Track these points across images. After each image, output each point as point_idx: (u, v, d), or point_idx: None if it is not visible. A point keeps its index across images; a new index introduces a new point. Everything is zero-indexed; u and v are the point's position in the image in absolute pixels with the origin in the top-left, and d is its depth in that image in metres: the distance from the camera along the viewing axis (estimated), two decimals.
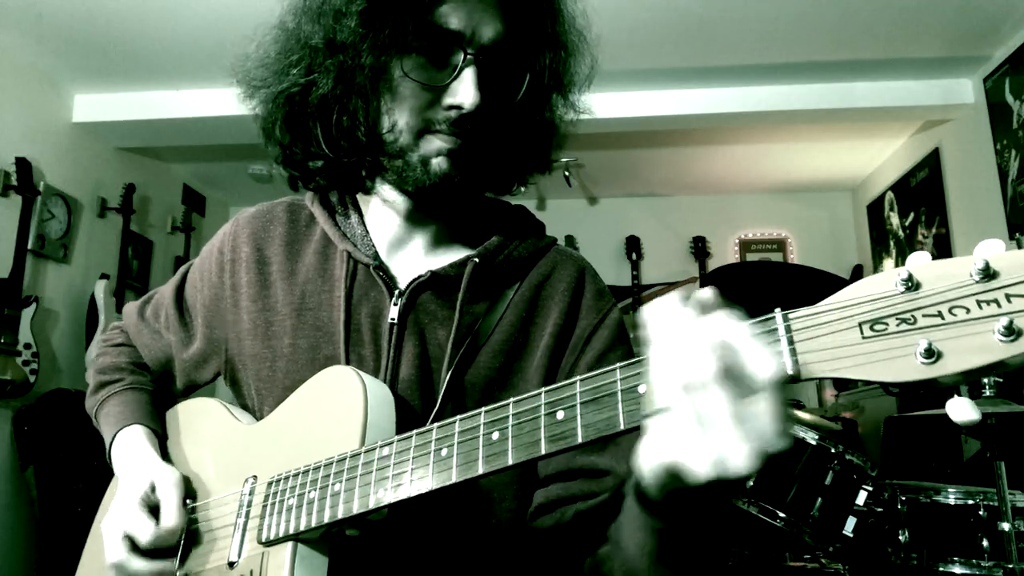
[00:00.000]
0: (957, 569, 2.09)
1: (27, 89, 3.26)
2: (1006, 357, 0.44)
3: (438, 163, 0.82)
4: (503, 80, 0.83)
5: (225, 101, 3.32)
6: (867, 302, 0.49)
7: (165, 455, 0.97)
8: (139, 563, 0.84)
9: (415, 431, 0.70)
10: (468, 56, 0.79)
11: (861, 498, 2.17)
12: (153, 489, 0.87)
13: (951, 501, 2.15)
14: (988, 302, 0.45)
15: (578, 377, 0.60)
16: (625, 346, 0.90)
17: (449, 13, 0.79)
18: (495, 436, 0.63)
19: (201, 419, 0.98)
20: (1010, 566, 1.92)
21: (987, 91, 3.28)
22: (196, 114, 3.46)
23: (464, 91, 0.79)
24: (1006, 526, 1.93)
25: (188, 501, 0.89)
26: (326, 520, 0.72)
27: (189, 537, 0.87)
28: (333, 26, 0.81)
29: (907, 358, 0.46)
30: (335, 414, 0.77)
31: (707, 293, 0.53)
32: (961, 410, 0.47)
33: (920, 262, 0.48)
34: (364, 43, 0.79)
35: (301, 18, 0.85)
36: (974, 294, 0.45)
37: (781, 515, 2.19)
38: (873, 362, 0.47)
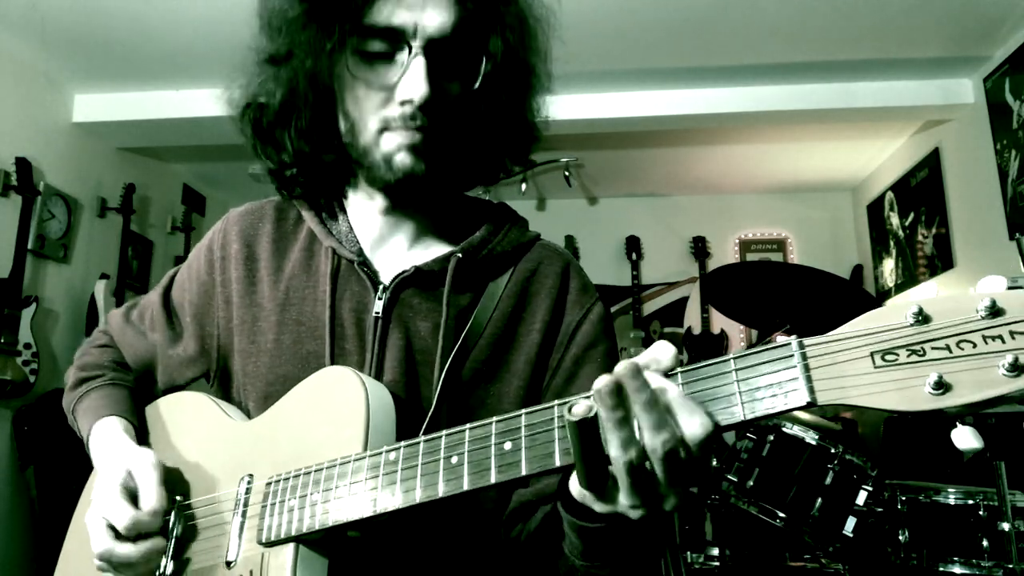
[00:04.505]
0: (957, 569, 2.09)
1: (27, 89, 3.25)
2: (1010, 391, 0.46)
3: (401, 159, 0.82)
4: (459, 68, 0.83)
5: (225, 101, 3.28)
6: (878, 332, 0.51)
7: (147, 446, 0.96)
8: (125, 548, 0.82)
9: (423, 438, 0.70)
10: (413, 50, 0.79)
11: (861, 498, 2.17)
12: (131, 475, 0.86)
13: (951, 501, 2.15)
14: (993, 338, 0.47)
15: (591, 392, 0.60)
16: (608, 342, 0.92)
17: (391, 9, 0.79)
18: (507, 446, 0.63)
19: (190, 414, 0.97)
20: (1010, 566, 1.92)
21: (987, 91, 3.28)
22: (196, 114, 3.45)
23: (413, 85, 0.79)
24: (1006, 526, 1.93)
25: (179, 498, 0.89)
26: (331, 523, 0.72)
27: (182, 533, 0.86)
28: (277, 37, 0.83)
29: (917, 388, 0.48)
30: (335, 416, 0.77)
31: (664, 354, 0.58)
32: (965, 439, 0.50)
33: (929, 296, 0.51)
34: (308, 51, 0.81)
35: (257, 30, 0.87)
36: (980, 330, 0.48)
37: (781, 515, 2.19)
38: (884, 391, 0.49)
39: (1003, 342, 0.47)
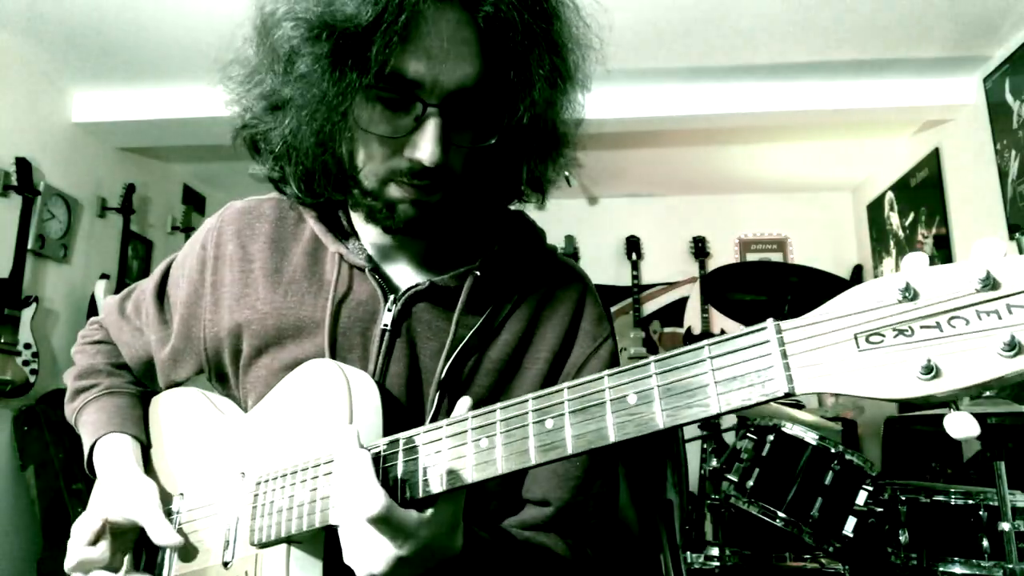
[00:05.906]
0: (957, 569, 2.08)
1: (27, 89, 3.25)
2: (1006, 373, 0.41)
3: (404, 209, 0.80)
4: (477, 122, 0.78)
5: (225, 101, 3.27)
6: (863, 312, 0.46)
7: (148, 456, 0.96)
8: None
9: (401, 435, 0.69)
10: (429, 108, 0.74)
11: (861, 498, 2.17)
12: (128, 516, 0.86)
13: (951, 501, 2.15)
14: (988, 313, 0.42)
15: (597, 378, 0.61)
16: None
17: (411, 60, 0.72)
18: (483, 444, 0.63)
19: (183, 411, 0.96)
20: (1010, 566, 1.92)
21: (987, 91, 3.27)
22: (196, 114, 3.44)
23: (424, 147, 0.74)
24: (1006, 526, 1.92)
25: (178, 497, 0.89)
26: (317, 524, 0.71)
27: (181, 534, 0.86)
28: (282, 78, 0.77)
29: (905, 373, 0.44)
30: (320, 410, 0.76)
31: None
32: (960, 426, 0.44)
33: (918, 267, 0.46)
34: (317, 108, 0.75)
35: (260, 53, 0.81)
36: (974, 304, 0.43)
37: (781, 515, 2.19)
38: (869, 377, 0.45)
39: (999, 318, 0.41)
